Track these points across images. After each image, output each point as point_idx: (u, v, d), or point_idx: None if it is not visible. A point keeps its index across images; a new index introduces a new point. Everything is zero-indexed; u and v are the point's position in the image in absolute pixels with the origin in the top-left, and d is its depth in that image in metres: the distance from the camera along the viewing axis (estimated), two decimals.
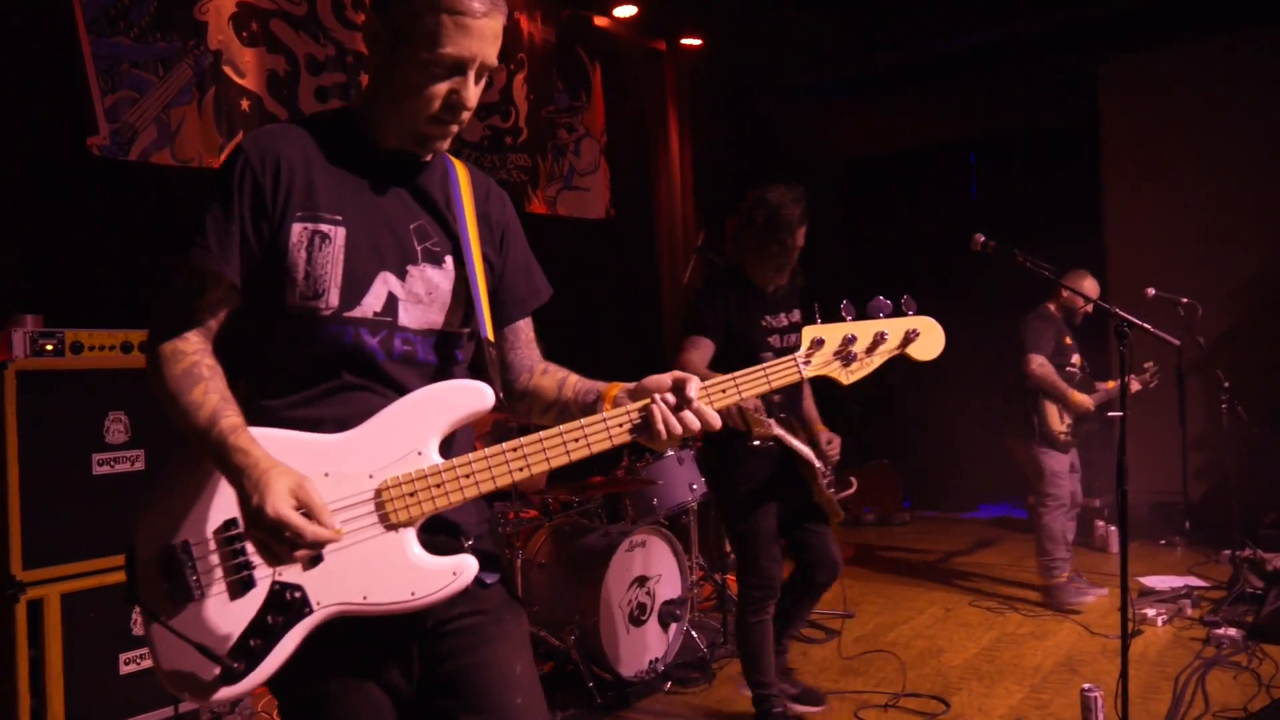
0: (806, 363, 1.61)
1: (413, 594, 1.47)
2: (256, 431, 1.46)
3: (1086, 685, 3.33)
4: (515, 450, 1.50)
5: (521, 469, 1.50)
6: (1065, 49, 7.15)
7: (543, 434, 1.51)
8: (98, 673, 3.25)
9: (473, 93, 1.53)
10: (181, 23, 4.26)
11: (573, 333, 5.21)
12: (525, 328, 1.78)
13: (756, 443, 3.34)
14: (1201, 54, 6.71)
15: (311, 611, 1.45)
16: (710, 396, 1.56)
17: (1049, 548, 5.11)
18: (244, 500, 1.39)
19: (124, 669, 3.32)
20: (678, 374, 1.56)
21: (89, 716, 3.20)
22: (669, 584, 4.21)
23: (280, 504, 1.36)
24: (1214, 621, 4.50)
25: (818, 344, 1.61)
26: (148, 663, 3.37)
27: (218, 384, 1.48)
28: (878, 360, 1.65)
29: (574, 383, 1.72)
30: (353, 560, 1.46)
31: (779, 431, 3.32)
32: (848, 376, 1.64)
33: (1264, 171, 6.45)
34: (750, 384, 1.59)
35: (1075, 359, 5.23)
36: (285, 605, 1.44)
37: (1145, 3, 6.52)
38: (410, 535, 1.49)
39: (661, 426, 1.52)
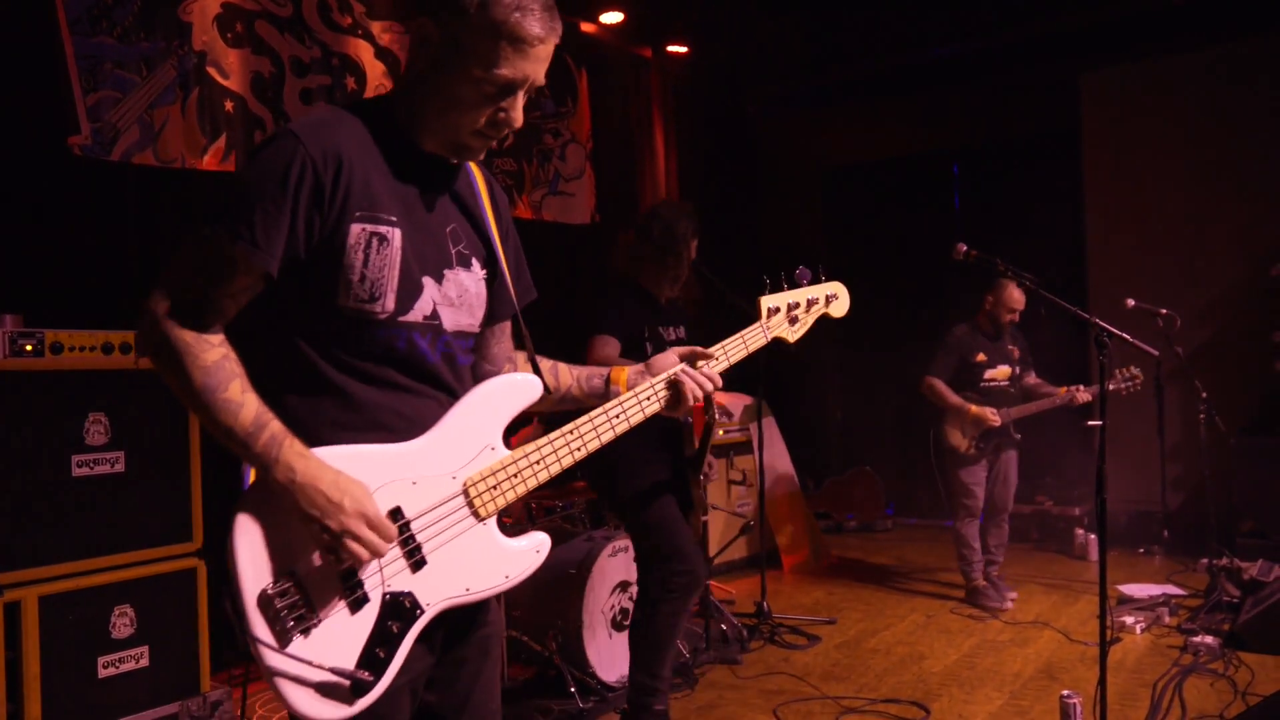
0: (768, 328, 1.93)
1: (506, 576, 1.60)
2: (336, 450, 1.47)
3: (1065, 692, 3.34)
4: (572, 432, 1.67)
5: (579, 448, 1.67)
6: (1047, 59, 7.20)
7: (591, 414, 1.70)
8: (75, 676, 3.22)
9: (519, 111, 1.56)
10: (165, 23, 4.24)
11: (557, 338, 5.20)
12: (508, 322, 1.84)
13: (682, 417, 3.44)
14: (1183, 66, 6.78)
15: (423, 612, 1.52)
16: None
17: (965, 553, 5.43)
18: (323, 503, 1.41)
19: (102, 672, 3.29)
20: (682, 349, 1.84)
21: None
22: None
23: (373, 505, 1.44)
24: (1191, 629, 4.54)
25: (773, 311, 1.94)
26: (126, 666, 3.35)
27: (249, 382, 1.45)
28: (811, 319, 1.99)
29: (567, 370, 1.85)
30: (452, 557, 1.56)
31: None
32: (793, 335, 1.97)
33: (1244, 183, 6.51)
34: (735, 350, 1.88)
35: (992, 373, 5.40)
36: (401, 611, 1.50)
37: (1127, 14, 6.59)
38: (493, 524, 1.61)
39: (689, 391, 1.77)
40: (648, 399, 1.75)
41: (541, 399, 1.78)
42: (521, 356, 1.85)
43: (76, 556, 3.26)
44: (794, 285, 1.96)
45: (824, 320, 2.02)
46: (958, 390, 5.34)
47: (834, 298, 2.02)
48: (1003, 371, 5.38)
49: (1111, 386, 5.15)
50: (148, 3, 4.17)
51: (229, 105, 4.47)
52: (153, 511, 3.49)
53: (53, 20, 3.87)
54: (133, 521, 3.42)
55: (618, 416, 1.71)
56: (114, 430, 3.39)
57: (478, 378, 1.71)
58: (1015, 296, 5.28)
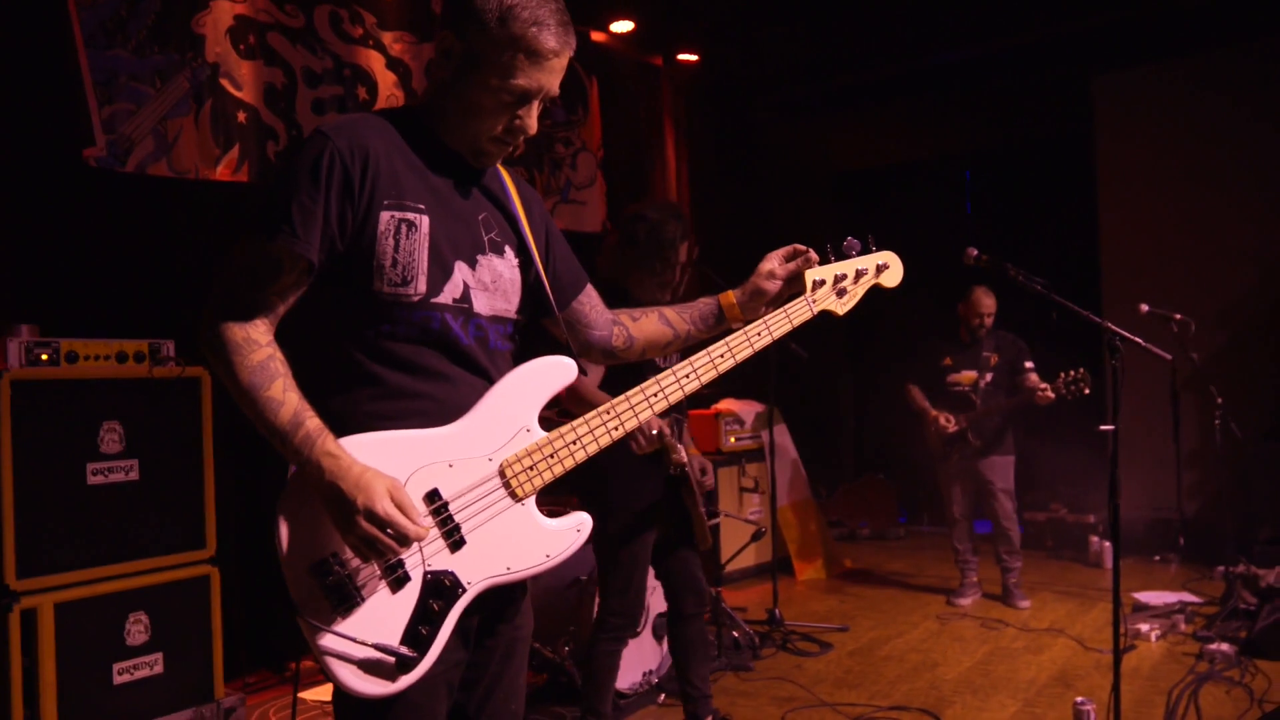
0: (814, 301, 1.85)
1: (547, 555, 1.63)
2: (370, 436, 1.53)
3: (1079, 699, 3.33)
4: (609, 412, 1.69)
5: (616, 428, 1.69)
6: (1060, 63, 7.17)
7: (627, 394, 1.70)
8: (91, 683, 3.24)
9: (534, 119, 1.66)
10: (179, 35, 4.28)
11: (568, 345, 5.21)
12: (591, 291, 1.92)
13: (673, 471, 3.22)
14: (1196, 68, 6.74)
15: (465, 591, 1.56)
16: (750, 341, 1.78)
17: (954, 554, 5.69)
18: (342, 502, 1.45)
19: (117, 679, 3.31)
20: (781, 256, 1.86)
21: None
22: (662, 596, 4.20)
23: (387, 503, 1.46)
24: (1207, 637, 4.51)
25: (819, 284, 1.86)
26: (141, 673, 3.37)
27: (293, 381, 1.51)
28: (861, 290, 1.90)
29: (676, 316, 1.90)
30: (492, 537, 1.59)
31: (685, 459, 3.21)
32: (841, 308, 1.88)
33: (1258, 186, 6.47)
34: (778, 324, 1.80)
35: (955, 377, 5.46)
36: (442, 590, 1.55)
37: (1139, 16, 6.55)
38: (532, 504, 1.64)
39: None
40: (658, 396, 1.72)
41: (664, 347, 1.90)
42: (624, 314, 1.92)
43: (91, 564, 3.29)
44: (842, 257, 1.87)
45: (875, 292, 1.92)
46: (930, 395, 5.50)
47: (885, 267, 1.92)
48: (966, 376, 5.43)
49: (1054, 393, 4.99)
50: (161, 16, 4.20)
51: (242, 116, 4.51)
52: (167, 519, 3.51)
53: (68, 34, 3.91)
54: (147, 529, 3.45)
55: (655, 395, 1.71)
56: (128, 438, 3.42)
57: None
58: (983, 302, 5.37)
